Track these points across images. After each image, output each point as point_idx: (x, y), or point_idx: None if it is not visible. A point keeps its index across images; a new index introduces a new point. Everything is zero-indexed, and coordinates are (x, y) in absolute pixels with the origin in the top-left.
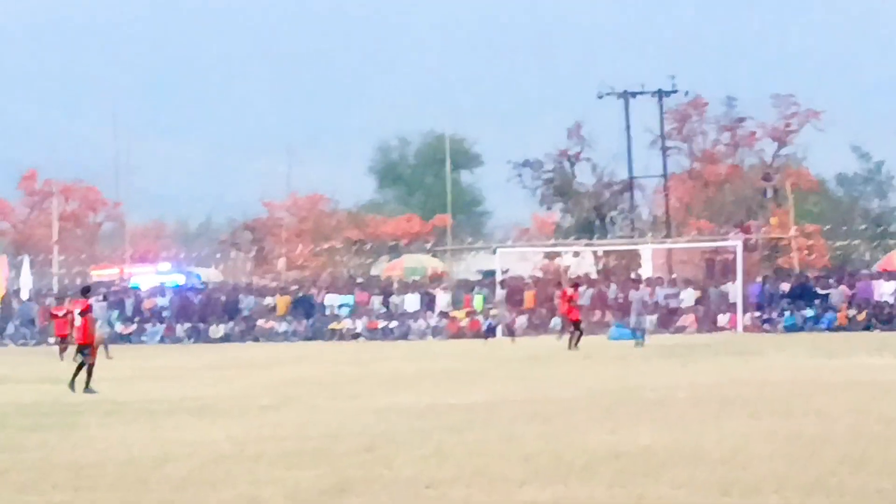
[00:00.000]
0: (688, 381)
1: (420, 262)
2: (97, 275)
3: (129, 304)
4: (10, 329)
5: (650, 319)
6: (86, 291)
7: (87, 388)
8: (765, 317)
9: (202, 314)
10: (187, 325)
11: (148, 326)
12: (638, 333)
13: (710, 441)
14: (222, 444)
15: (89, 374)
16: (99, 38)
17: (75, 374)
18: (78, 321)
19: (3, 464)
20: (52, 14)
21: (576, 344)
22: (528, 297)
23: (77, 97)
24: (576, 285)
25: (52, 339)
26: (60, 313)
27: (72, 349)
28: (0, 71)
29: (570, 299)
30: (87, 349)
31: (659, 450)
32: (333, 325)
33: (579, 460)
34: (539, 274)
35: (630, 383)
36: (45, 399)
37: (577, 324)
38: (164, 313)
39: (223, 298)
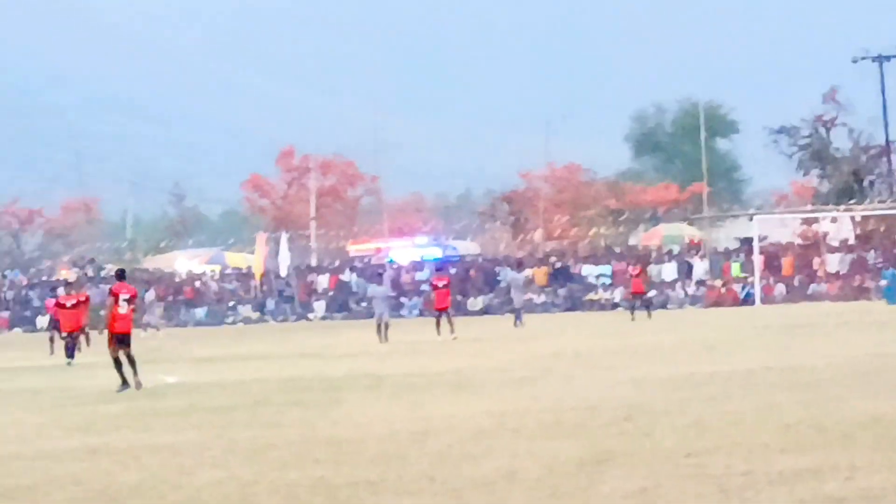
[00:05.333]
0: None
1: (678, 231)
2: (355, 249)
3: (386, 277)
4: (271, 305)
5: None
6: (122, 275)
7: (131, 382)
8: None
9: (461, 287)
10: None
11: (406, 301)
12: None
13: None
14: (481, 418)
15: (133, 364)
16: (355, 18)
17: (121, 371)
18: (124, 308)
19: (265, 440)
20: None
21: (648, 314)
22: (787, 263)
23: (335, 76)
24: (439, 269)
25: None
26: (69, 303)
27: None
28: (259, 53)
29: (639, 274)
30: (128, 339)
31: None
32: (591, 296)
33: (839, 427)
34: (797, 240)
35: (890, 350)
36: (305, 374)
37: (639, 295)
38: (423, 287)
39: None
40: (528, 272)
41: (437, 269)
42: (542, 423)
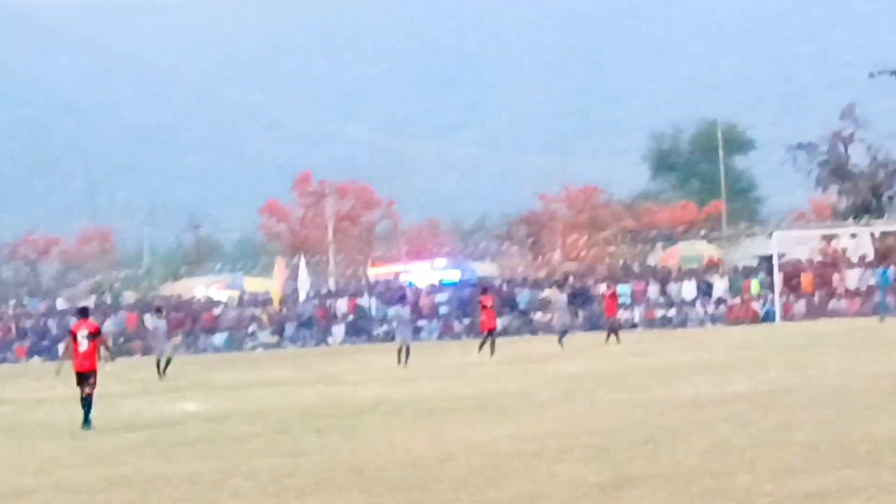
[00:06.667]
0: None
1: (696, 250)
2: (374, 273)
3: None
4: (290, 330)
5: None
6: (85, 313)
7: (86, 422)
8: None
9: (479, 309)
10: (466, 320)
11: (424, 323)
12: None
13: None
14: (502, 442)
15: (89, 404)
16: (369, 43)
17: (86, 408)
18: (84, 345)
19: (286, 468)
20: (322, 21)
21: (617, 339)
22: (806, 280)
23: (349, 101)
24: (485, 290)
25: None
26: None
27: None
28: (272, 79)
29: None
30: (91, 377)
31: None
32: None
33: (862, 447)
34: (817, 257)
35: None
36: (325, 401)
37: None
38: (442, 310)
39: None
40: (546, 293)
41: (484, 290)
42: (563, 447)
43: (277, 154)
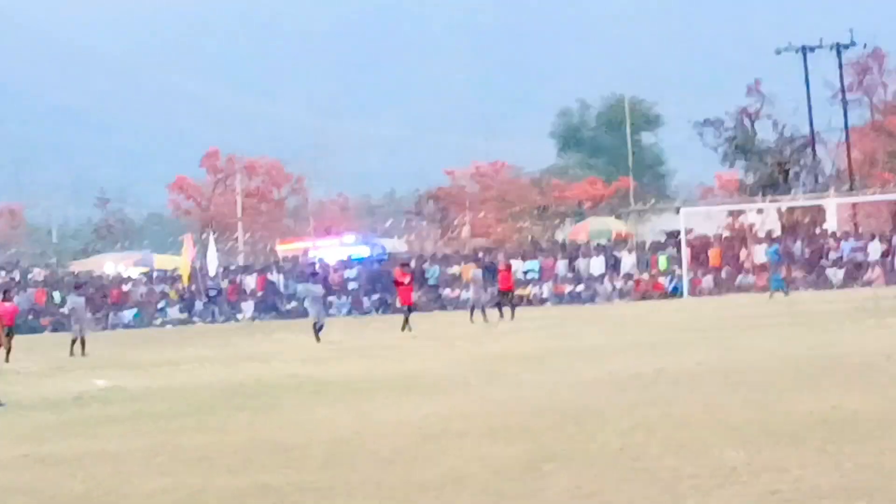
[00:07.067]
0: (890, 342)
1: (604, 225)
2: (283, 249)
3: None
4: (199, 306)
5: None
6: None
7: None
8: None
9: (389, 285)
10: (375, 296)
11: (334, 300)
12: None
13: None
14: (427, 421)
15: None
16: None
17: None
18: None
19: (211, 446)
20: (244, 0)
21: (511, 315)
22: (714, 255)
23: (272, 80)
24: (403, 265)
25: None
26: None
27: None
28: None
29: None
30: None
31: (868, 415)
32: (520, 291)
33: (786, 427)
34: (724, 232)
35: (831, 347)
36: (246, 379)
37: (507, 292)
38: (351, 285)
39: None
40: (455, 269)
41: (402, 266)
42: (488, 427)
43: (200, 133)
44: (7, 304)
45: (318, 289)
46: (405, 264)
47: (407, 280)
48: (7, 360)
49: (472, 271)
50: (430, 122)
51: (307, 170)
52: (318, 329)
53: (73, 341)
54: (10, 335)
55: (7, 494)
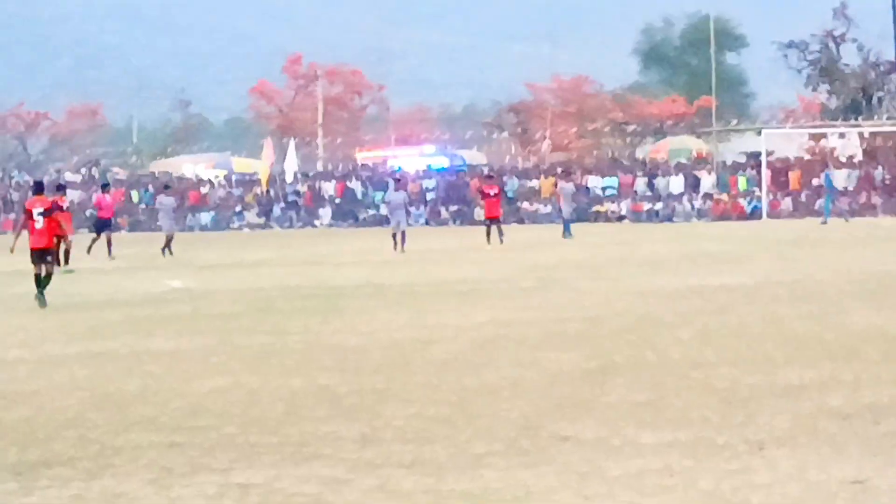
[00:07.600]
0: None
1: (685, 144)
2: (362, 157)
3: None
4: (277, 211)
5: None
6: (40, 188)
7: (40, 298)
8: None
9: (467, 196)
10: (453, 207)
11: (412, 209)
12: None
13: None
14: (485, 327)
15: (48, 280)
16: None
17: (41, 286)
18: (40, 223)
19: (270, 347)
20: None
21: (500, 239)
22: (794, 178)
23: None
24: (489, 177)
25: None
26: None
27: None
28: None
29: (485, 194)
30: (47, 255)
31: None
32: (598, 208)
33: (844, 341)
34: (805, 155)
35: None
36: (310, 282)
37: (494, 220)
38: (429, 195)
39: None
40: (534, 183)
41: (488, 178)
42: (546, 333)
43: (265, 35)
44: (107, 196)
45: (401, 197)
46: (490, 176)
47: (493, 192)
48: (110, 254)
49: (561, 184)
50: (495, 30)
51: (380, 76)
52: (399, 239)
53: (168, 240)
54: (108, 229)
55: (64, 391)
